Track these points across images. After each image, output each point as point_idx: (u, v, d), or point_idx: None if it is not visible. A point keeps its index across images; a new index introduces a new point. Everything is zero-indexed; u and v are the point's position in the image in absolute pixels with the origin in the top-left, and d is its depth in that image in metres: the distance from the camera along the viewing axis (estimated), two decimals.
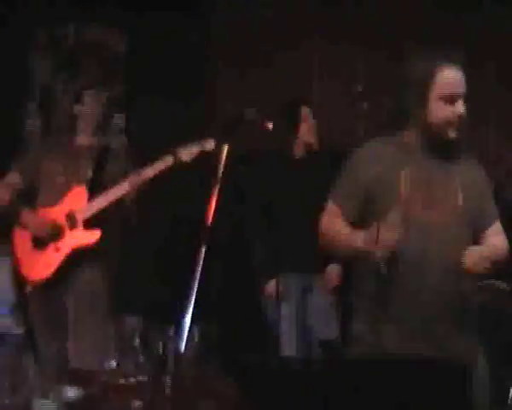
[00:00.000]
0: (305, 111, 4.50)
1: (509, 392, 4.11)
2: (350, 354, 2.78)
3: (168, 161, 3.77)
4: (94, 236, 3.82)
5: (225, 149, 3.52)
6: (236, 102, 4.87)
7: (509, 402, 4.10)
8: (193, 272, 3.37)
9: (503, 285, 4.24)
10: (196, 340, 2.80)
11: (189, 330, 3.11)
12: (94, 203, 3.81)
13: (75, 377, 2.64)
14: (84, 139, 4.02)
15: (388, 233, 2.68)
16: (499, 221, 3.05)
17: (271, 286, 4.30)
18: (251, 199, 4.54)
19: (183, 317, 3.28)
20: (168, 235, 5.51)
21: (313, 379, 2.41)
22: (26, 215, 3.91)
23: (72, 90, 4.35)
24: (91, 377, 2.63)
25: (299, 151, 4.53)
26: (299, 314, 4.39)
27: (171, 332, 2.70)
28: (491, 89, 5.47)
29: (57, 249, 3.85)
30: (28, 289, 3.94)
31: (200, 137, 5.35)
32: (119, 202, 3.82)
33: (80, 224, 3.83)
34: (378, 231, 2.67)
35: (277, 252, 4.29)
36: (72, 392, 2.55)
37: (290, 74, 6.06)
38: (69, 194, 3.90)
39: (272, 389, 2.43)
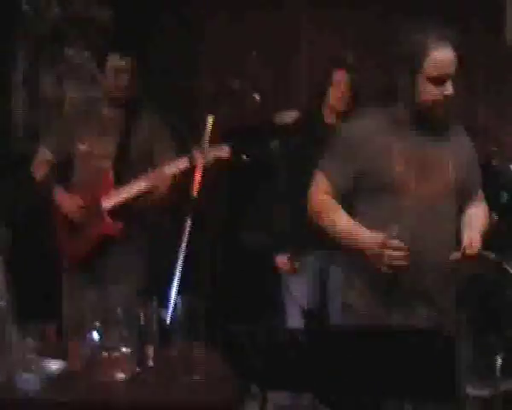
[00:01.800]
0: (340, 75, 4.12)
1: (496, 360, 4.13)
2: (335, 325, 2.78)
3: (185, 162, 3.72)
4: (116, 227, 3.83)
5: (210, 120, 3.50)
6: (223, 73, 4.80)
7: (496, 372, 4.11)
8: (178, 243, 3.37)
9: (491, 256, 4.23)
10: (182, 312, 2.78)
11: (175, 303, 3.11)
12: (118, 194, 3.80)
13: (59, 350, 2.63)
14: (110, 111, 3.97)
15: (397, 253, 2.69)
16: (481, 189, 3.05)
17: (283, 260, 4.21)
18: (275, 173, 4.36)
19: (169, 289, 3.28)
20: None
21: (300, 350, 2.39)
22: (61, 196, 3.90)
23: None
24: (75, 349, 2.61)
25: (328, 118, 4.18)
26: (310, 290, 4.30)
27: (155, 304, 2.68)
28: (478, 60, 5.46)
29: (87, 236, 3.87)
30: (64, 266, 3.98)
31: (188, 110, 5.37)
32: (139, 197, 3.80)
33: (105, 214, 3.82)
34: (385, 245, 2.69)
35: (294, 226, 4.15)
36: (55, 365, 2.54)
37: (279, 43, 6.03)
38: (98, 176, 3.87)
39: (259, 360, 2.41)
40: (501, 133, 5.32)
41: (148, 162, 3.82)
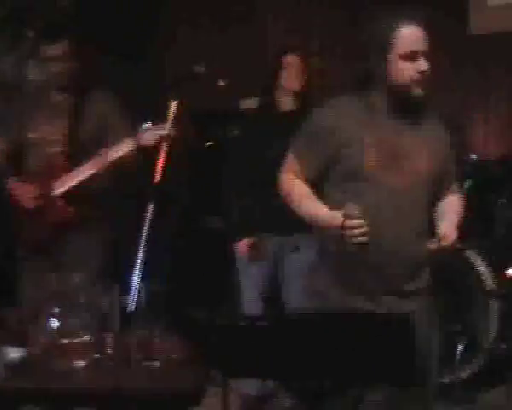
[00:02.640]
0: (291, 59, 4.16)
1: (457, 349, 4.17)
2: (293, 310, 2.78)
3: (129, 144, 3.70)
4: (68, 212, 3.79)
5: (174, 105, 3.47)
6: (188, 61, 4.77)
7: (456, 358, 4.15)
8: (140, 229, 3.34)
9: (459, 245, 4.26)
10: (143, 299, 2.76)
11: (137, 289, 3.09)
12: (69, 179, 3.77)
13: (18, 338, 2.60)
14: (58, 95, 3.92)
15: (356, 231, 2.68)
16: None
17: (244, 245, 4.21)
18: (233, 158, 4.37)
19: (130, 275, 3.25)
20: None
21: (259, 335, 2.39)
22: (15, 185, 3.84)
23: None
24: (34, 337, 2.59)
25: (284, 104, 4.19)
26: (266, 275, 4.30)
27: (117, 290, 2.66)
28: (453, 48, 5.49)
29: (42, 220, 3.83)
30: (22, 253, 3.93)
31: (151, 95, 5.32)
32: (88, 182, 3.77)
33: (57, 199, 3.79)
34: (344, 224, 2.68)
35: (254, 212, 4.17)
36: (14, 353, 2.51)
37: (246, 33, 6.02)
38: (50, 162, 3.83)
39: (219, 347, 2.40)
40: (463, 121, 5.38)
41: (101, 144, 3.78)
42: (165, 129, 3.60)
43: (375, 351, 2.33)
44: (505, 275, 4.31)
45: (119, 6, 5.71)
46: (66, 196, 3.79)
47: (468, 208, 3.05)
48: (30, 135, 3.88)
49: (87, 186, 3.78)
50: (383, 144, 2.81)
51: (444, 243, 2.79)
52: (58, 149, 3.83)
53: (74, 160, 3.80)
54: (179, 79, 3.48)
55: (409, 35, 2.79)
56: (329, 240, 2.84)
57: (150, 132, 3.65)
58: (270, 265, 4.22)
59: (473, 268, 4.19)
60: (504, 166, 4.57)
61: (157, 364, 2.52)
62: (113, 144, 3.74)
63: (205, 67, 3.42)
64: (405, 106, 2.84)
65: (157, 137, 3.63)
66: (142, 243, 3.31)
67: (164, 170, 3.43)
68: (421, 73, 2.78)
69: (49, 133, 3.85)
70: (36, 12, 5.44)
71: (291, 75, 4.13)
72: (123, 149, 3.71)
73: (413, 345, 2.31)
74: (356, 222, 2.68)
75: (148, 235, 3.30)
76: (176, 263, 5.35)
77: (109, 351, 2.55)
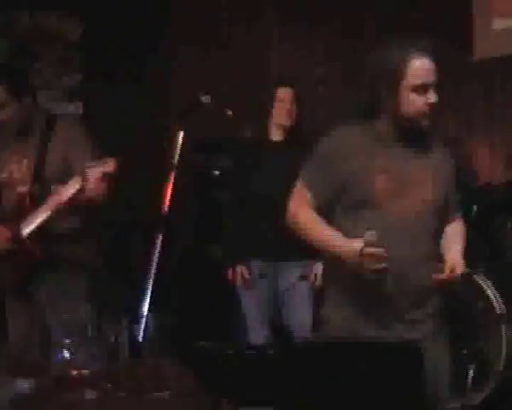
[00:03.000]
0: (283, 92, 4.28)
1: (468, 374, 4.15)
2: (303, 339, 2.78)
3: (77, 182, 3.67)
4: (36, 250, 3.77)
5: (180, 135, 3.48)
6: (194, 87, 4.80)
7: (468, 383, 4.13)
8: (149, 260, 3.34)
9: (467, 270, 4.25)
10: (152, 329, 2.76)
11: (146, 320, 3.09)
12: (33, 218, 3.74)
13: (27, 369, 2.60)
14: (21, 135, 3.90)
15: (374, 262, 2.69)
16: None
17: (235, 273, 4.26)
18: (228, 186, 4.45)
19: (139, 306, 3.25)
20: (124, 223, 5.47)
21: (268, 365, 2.39)
22: None
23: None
24: (44, 368, 2.59)
25: (275, 135, 4.32)
26: (265, 302, 4.34)
27: (126, 322, 2.66)
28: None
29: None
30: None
31: (157, 122, 5.34)
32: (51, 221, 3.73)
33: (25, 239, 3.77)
34: (364, 251, 2.69)
35: (245, 238, 4.23)
36: (24, 384, 2.51)
37: (249, 58, 6.05)
38: (18, 202, 3.82)
39: (229, 376, 2.40)
40: (467, 146, 5.41)
41: (66, 177, 3.71)
42: (110, 165, 3.60)
43: (383, 380, 2.33)
44: None
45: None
46: (33, 236, 3.73)
47: (476, 233, 3.05)
48: (0, 175, 3.87)
49: (52, 225, 3.73)
50: (392, 172, 2.81)
51: (452, 274, 2.80)
52: (25, 188, 3.80)
53: (40, 198, 3.74)
54: (186, 110, 3.49)
55: (421, 67, 2.79)
56: (341, 267, 2.84)
57: (94, 170, 3.60)
58: (265, 292, 4.26)
59: (482, 292, 4.18)
60: (511, 189, 4.57)
61: (168, 394, 2.52)
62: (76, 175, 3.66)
63: (211, 97, 3.44)
64: (413, 135, 2.85)
65: (100, 174, 3.60)
66: (151, 272, 3.32)
67: (171, 200, 3.43)
68: (431, 105, 2.79)
69: (16, 173, 3.83)
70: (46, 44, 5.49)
71: (282, 110, 4.24)
72: (69, 190, 3.64)
73: (422, 373, 2.30)
74: (376, 249, 2.69)
75: (157, 265, 3.30)
76: (181, 292, 5.36)
77: (120, 382, 2.54)
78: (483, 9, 5.84)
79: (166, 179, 3.48)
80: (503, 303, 4.15)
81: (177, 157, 3.53)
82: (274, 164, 4.21)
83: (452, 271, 2.80)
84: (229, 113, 3.68)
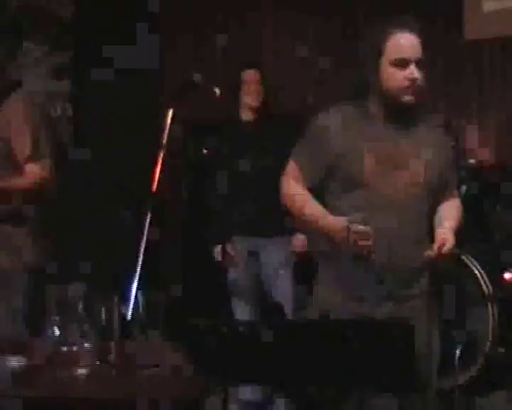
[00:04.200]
0: (249, 75, 4.44)
1: (455, 354, 4.17)
2: (295, 317, 2.79)
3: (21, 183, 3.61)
4: None
5: (170, 113, 3.48)
6: (187, 69, 4.81)
7: (455, 364, 4.16)
8: (138, 239, 3.35)
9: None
10: (142, 307, 2.77)
11: (135, 297, 3.09)
12: None
13: (18, 347, 2.61)
14: None
15: (360, 239, 2.70)
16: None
17: (219, 251, 4.30)
18: (209, 167, 4.54)
19: (129, 284, 3.26)
20: (113, 202, 5.47)
21: (258, 342, 2.40)
22: None
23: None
24: (34, 345, 2.60)
25: (246, 116, 4.48)
26: (251, 278, 4.41)
27: (116, 299, 2.67)
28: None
29: None
30: None
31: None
32: None
33: None
34: (350, 227, 2.71)
35: (228, 216, 4.29)
36: (15, 362, 2.52)
37: (242, 40, 6.05)
38: None
39: (220, 354, 2.41)
40: (458, 127, 5.41)
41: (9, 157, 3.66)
42: (48, 166, 3.62)
43: (375, 357, 2.34)
44: (503, 278, 4.33)
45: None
46: None
47: (464, 214, 3.06)
48: None
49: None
50: (380, 151, 2.82)
51: (441, 251, 2.80)
52: None
53: None
54: (179, 90, 3.49)
55: (400, 41, 2.78)
56: (331, 246, 2.85)
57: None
58: (253, 269, 4.35)
59: (470, 273, 4.20)
60: (500, 172, 4.59)
61: (157, 371, 2.54)
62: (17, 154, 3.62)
63: (202, 77, 3.44)
64: (400, 113, 2.85)
65: (37, 178, 3.60)
66: (141, 252, 3.32)
67: (160, 179, 3.44)
68: (412, 80, 2.79)
69: None
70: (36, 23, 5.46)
71: (250, 91, 4.43)
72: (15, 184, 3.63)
73: (413, 351, 2.32)
74: (362, 227, 2.70)
75: (146, 244, 3.31)
76: (176, 271, 5.38)
77: (110, 359, 2.56)
78: None
79: (156, 159, 3.49)
80: (490, 283, 4.17)
81: (166, 136, 3.53)
82: (246, 143, 4.37)
83: (441, 247, 2.80)
84: (217, 91, 3.69)
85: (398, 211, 2.81)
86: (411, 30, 2.80)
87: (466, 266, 4.23)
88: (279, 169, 3.02)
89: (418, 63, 2.79)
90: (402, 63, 2.77)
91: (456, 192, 3.06)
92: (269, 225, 4.25)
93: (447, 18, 5.73)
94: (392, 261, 2.81)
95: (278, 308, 4.31)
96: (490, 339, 4.13)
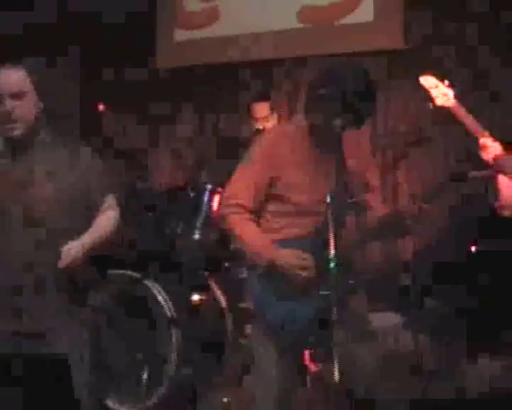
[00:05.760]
0: None
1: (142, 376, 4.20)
2: None
3: None
4: None
5: None
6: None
7: (142, 387, 4.19)
8: None
9: (134, 275, 4.32)
10: None
11: None
12: None
13: None
14: None
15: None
16: (112, 195, 3.08)
17: None
18: None
19: None
20: None
21: None
22: None
23: None
24: None
25: None
26: None
27: None
28: None
29: None
30: None
31: None
32: None
33: None
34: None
35: None
36: None
37: None
38: None
39: None
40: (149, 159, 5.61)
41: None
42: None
43: None
44: (190, 301, 4.44)
45: None
46: None
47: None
48: None
49: None
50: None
51: (60, 265, 2.80)
52: None
53: None
54: None
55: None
56: None
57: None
58: None
59: (153, 298, 4.24)
60: (170, 197, 4.70)
61: None
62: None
63: None
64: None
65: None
66: None
67: None
68: (7, 114, 2.86)
69: None
70: None
71: None
72: None
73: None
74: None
75: None
76: None
77: None
78: (166, 22, 6.05)
79: None
80: (174, 307, 4.24)
81: None
82: None
83: (60, 263, 2.81)
84: None
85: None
86: (16, 63, 2.90)
87: (149, 291, 4.26)
88: None
89: (16, 96, 2.86)
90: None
91: (110, 199, 3.09)
92: None
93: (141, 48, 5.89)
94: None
95: None
96: (174, 362, 4.18)
